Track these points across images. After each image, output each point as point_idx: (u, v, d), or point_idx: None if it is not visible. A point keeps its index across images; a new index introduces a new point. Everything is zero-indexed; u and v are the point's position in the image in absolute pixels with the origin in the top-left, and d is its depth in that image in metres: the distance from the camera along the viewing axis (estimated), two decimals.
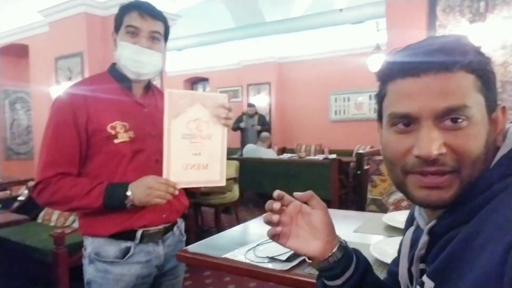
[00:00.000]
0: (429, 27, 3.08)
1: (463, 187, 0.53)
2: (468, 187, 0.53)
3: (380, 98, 0.61)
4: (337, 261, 0.71)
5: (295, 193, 0.73)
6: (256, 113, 7.09)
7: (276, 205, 0.70)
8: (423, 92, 0.53)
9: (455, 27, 3.00)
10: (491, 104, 0.55)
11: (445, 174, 0.53)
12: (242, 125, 6.97)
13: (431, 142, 0.52)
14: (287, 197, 0.73)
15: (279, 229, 0.71)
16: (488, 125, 0.54)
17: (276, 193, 0.72)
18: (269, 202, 0.72)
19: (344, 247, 0.73)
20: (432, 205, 0.56)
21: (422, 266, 0.61)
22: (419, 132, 0.54)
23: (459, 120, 0.52)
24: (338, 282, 0.72)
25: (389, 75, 0.58)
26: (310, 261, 0.74)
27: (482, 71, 0.54)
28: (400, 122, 0.56)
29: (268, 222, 0.71)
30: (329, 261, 0.71)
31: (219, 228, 4.23)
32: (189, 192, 1.45)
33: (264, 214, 0.72)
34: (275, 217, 0.70)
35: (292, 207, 0.72)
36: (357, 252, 0.76)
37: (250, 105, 7.27)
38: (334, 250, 0.71)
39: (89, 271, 1.28)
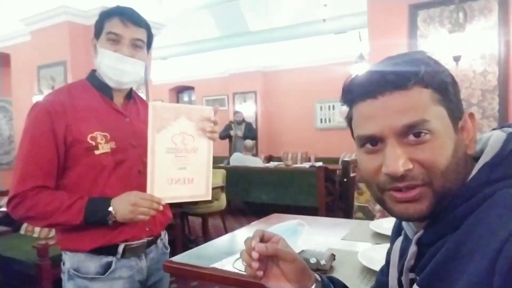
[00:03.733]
0: (410, 37, 3.15)
1: (439, 198, 0.54)
2: (445, 197, 0.54)
3: (349, 120, 0.63)
4: None
5: (257, 247, 0.69)
6: (243, 120, 7.12)
7: (255, 255, 0.68)
8: (382, 112, 0.55)
9: (435, 37, 3.08)
10: (455, 113, 0.56)
11: (417, 188, 0.54)
12: (232, 133, 6.97)
13: (396, 159, 0.53)
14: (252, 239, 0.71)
15: (260, 273, 0.70)
16: (455, 134, 0.56)
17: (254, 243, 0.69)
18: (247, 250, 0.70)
19: (321, 282, 0.72)
20: (412, 218, 0.57)
21: (412, 275, 0.61)
22: (385, 150, 0.55)
23: (422, 134, 0.53)
24: None
25: (351, 99, 0.60)
26: None
27: (438, 84, 0.55)
28: (367, 143, 0.58)
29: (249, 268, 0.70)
30: None
31: (206, 237, 4.19)
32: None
33: (244, 257, 0.70)
34: (255, 264, 0.69)
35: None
36: (332, 279, 0.76)
37: (236, 112, 7.29)
38: None
39: (69, 287, 1.22)
